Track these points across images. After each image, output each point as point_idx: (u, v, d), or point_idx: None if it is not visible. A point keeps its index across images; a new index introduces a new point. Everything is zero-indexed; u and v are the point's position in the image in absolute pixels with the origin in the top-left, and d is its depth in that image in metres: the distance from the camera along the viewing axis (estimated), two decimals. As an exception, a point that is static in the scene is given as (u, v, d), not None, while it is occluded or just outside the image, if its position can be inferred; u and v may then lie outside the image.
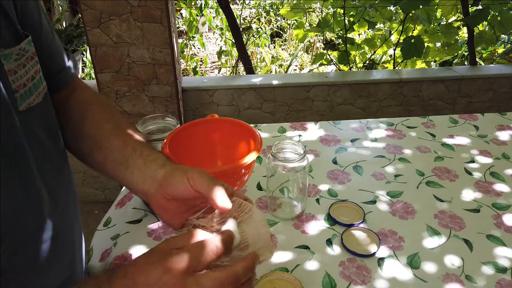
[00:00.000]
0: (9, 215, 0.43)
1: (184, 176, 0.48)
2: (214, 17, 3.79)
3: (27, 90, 0.46)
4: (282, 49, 4.04)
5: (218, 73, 3.72)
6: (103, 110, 0.61)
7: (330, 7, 2.44)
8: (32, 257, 0.48)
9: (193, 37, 3.77)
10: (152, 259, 0.40)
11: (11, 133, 0.43)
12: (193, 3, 3.45)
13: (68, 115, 0.60)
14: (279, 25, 4.48)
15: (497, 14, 2.28)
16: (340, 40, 2.82)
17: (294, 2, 2.65)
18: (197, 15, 3.56)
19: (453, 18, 2.62)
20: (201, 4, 3.50)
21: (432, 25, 2.41)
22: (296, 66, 3.68)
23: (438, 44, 2.50)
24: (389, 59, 3.24)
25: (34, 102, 0.48)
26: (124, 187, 0.96)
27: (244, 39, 2.89)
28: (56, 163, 0.54)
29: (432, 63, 2.90)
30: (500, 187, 0.91)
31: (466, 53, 2.93)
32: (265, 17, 4.56)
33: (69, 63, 0.60)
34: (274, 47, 4.08)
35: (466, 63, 2.95)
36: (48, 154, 0.52)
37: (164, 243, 0.42)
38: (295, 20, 2.77)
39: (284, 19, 4.34)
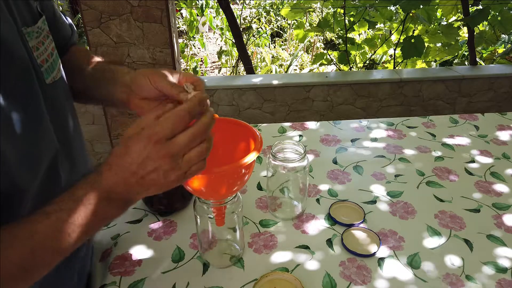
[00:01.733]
0: (35, 185, 0.46)
1: (146, 79, 0.53)
2: (214, 17, 3.79)
3: (49, 65, 0.51)
4: (282, 49, 4.04)
5: (218, 73, 3.72)
6: (82, 55, 0.68)
7: (330, 7, 2.44)
8: None
9: (194, 37, 3.77)
10: (129, 141, 0.44)
11: (40, 104, 0.47)
12: (193, 3, 3.45)
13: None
14: (279, 25, 4.49)
15: (497, 14, 2.29)
16: (340, 40, 2.82)
17: (294, 2, 2.65)
18: (197, 15, 3.56)
19: (454, 18, 2.62)
20: (202, 4, 3.50)
21: (432, 25, 2.41)
22: (296, 66, 3.68)
23: (439, 44, 2.50)
24: (389, 59, 3.24)
25: (57, 77, 0.53)
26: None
27: (244, 39, 2.89)
28: (81, 137, 0.60)
29: (432, 63, 2.90)
30: (500, 187, 0.91)
31: (466, 53, 2.93)
32: (265, 17, 4.56)
33: (73, 31, 0.68)
34: (274, 47, 4.08)
35: (466, 63, 2.95)
36: (75, 127, 0.57)
37: (132, 128, 0.45)
38: (295, 20, 2.77)
39: (284, 19, 4.34)
